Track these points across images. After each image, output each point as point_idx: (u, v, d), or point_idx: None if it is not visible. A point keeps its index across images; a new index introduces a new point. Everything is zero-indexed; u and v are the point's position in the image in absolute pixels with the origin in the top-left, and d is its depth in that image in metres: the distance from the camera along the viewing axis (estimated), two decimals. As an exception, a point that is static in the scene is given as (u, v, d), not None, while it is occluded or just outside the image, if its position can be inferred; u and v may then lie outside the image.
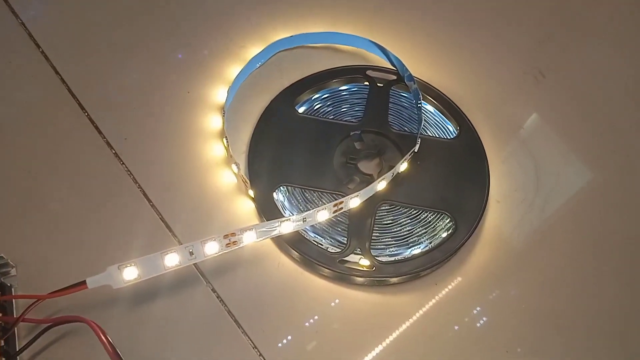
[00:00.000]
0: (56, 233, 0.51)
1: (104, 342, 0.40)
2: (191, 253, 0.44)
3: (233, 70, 0.61)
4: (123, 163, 0.55)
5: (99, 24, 0.62)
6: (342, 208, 0.49)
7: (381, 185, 0.52)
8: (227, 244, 0.45)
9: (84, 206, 0.53)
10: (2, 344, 0.43)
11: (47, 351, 0.46)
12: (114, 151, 0.56)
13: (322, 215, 0.48)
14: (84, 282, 0.43)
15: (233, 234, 0.45)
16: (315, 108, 0.60)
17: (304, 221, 0.48)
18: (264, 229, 0.46)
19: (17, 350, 0.44)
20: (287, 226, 0.47)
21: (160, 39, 0.62)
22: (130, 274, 0.43)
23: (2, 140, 0.55)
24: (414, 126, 0.59)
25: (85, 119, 0.57)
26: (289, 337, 0.50)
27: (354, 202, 0.49)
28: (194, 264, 0.51)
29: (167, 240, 0.52)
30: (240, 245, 0.46)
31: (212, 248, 0.45)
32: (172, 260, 0.44)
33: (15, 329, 0.45)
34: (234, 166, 0.55)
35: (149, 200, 0.54)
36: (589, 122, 0.63)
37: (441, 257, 0.53)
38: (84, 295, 0.44)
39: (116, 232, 0.51)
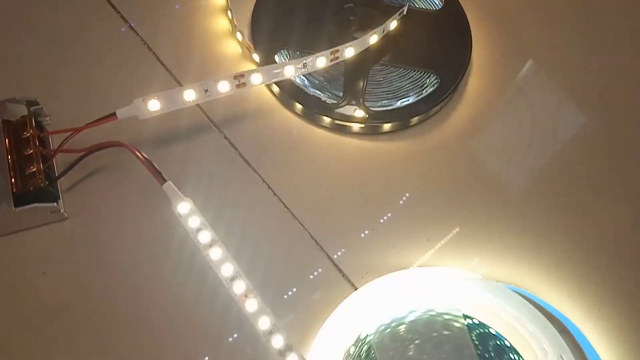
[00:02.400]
0: (80, 76, 0.57)
1: (141, 158, 0.46)
2: (206, 91, 0.50)
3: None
4: (138, 35, 0.61)
5: None
6: (338, 57, 0.55)
7: (373, 39, 0.57)
8: (236, 85, 0.51)
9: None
10: (46, 170, 0.49)
11: (86, 180, 0.53)
12: (123, 18, 0.61)
13: (321, 61, 0.54)
14: (114, 114, 0.49)
15: (242, 75, 0.51)
16: (311, -18, 0.65)
17: (304, 66, 0.54)
18: (270, 72, 0.52)
19: (57, 175, 0.50)
20: (289, 70, 0.53)
21: None
22: (154, 106, 0.49)
23: None
24: (404, -2, 0.65)
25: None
26: (294, 173, 0.56)
27: (349, 51, 0.55)
28: (206, 116, 0.57)
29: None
30: (249, 86, 0.52)
31: (224, 86, 0.51)
32: (189, 95, 0.50)
33: (54, 160, 0.51)
34: (238, 34, 0.61)
35: (164, 65, 0.60)
36: (568, 12, 0.69)
37: (427, 107, 0.60)
38: (111, 131, 0.50)
39: (135, 86, 0.57)
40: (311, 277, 0.52)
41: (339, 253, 0.53)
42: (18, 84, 0.56)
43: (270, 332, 0.40)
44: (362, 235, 0.54)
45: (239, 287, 0.40)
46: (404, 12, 0.61)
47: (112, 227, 0.51)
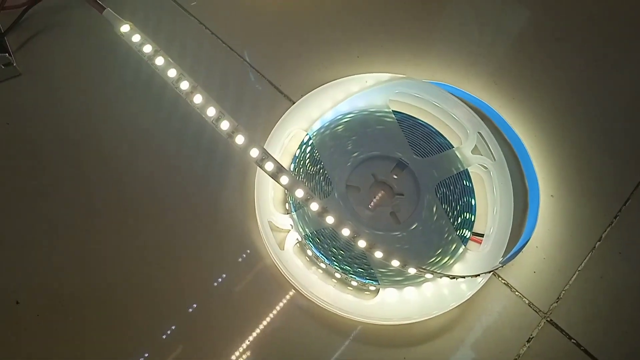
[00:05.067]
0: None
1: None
2: None
3: None
4: None
5: None
6: None
7: None
8: None
9: None
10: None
11: (33, 39, 0.56)
12: None
13: None
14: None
15: None
16: None
17: None
18: None
19: (3, 31, 0.53)
20: None
21: None
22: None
23: None
24: None
25: None
26: (225, 5, 0.60)
27: None
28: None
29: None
30: None
31: None
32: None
33: (-1, 21, 0.54)
34: None
35: None
36: None
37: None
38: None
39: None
40: (252, 99, 0.57)
41: (276, 75, 0.58)
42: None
43: (218, 119, 0.45)
44: (296, 57, 0.59)
45: (185, 85, 0.45)
46: None
47: (64, 74, 0.55)
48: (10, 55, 0.53)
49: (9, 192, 0.51)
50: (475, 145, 0.56)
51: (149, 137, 0.54)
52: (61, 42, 0.56)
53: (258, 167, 0.46)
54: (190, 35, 0.58)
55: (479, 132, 0.56)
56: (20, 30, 0.55)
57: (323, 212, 0.46)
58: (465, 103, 0.58)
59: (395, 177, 0.55)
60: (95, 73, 0.55)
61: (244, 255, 0.51)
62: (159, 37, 0.51)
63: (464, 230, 0.53)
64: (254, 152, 0.45)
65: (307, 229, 0.52)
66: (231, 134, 0.45)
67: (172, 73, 0.45)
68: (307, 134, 0.55)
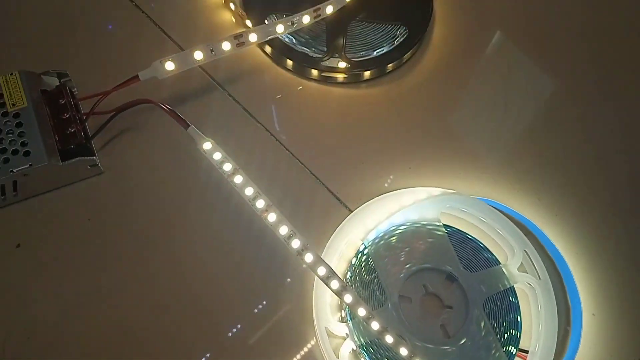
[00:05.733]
0: (98, 50, 0.66)
1: (166, 109, 0.55)
2: (212, 50, 0.59)
3: None
4: (138, 6, 0.69)
5: None
6: (320, 14, 0.64)
7: (348, -6, 0.66)
8: (237, 44, 0.60)
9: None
10: (81, 131, 0.57)
11: (116, 139, 0.61)
12: (134, 3, 0.69)
13: (305, 19, 0.63)
14: (136, 76, 0.57)
15: (241, 35, 0.60)
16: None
17: (292, 24, 0.62)
18: (264, 30, 0.61)
19: (92, 134, 0.59)
20: (279, 27, 0.62)
21: None
22: (170, 66, 0.57)
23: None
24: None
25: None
26: (290, 120, 0.65)
27: (329, 9, 0.64)
28: (210, 77, 0.66)
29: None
30: (247, 45, 0.61)
31: (226, 45, 0.59)
32: (198, 55, 0.58)
33: (87, 122, 0.60)
34: (231, 4, 0.69)
35: (168, 35, 0.68)
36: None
37: (399, 54, 0.69)
38: (133, 94, 0.59)
39: (144, 55, 0.66)
40: (313, 206, 0.61)
41: (336, 184, 0.62)
42: (46, 59, 0.63)
43: (290, 237, 0.49)
44: (354, 167, 0.63)
45: (260, 203, 0.50)
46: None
47: (144, 174, 0.60)
48: (96, 157, 0.57)
49: (83, 285, 0.55)
50: (521, 262, 0.59)
51: (216, 240, 0.57)
52: (142, 145, 0.61)
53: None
54: (259, 143, 0.63)
55: (525, 250, 0.59)
56: (105, 130, 0.59)
57: (383, 331, 0.49)
58: (511, 219, 0.61)
59: (445, 290, 0.58)
60: (173, 177, 0.60)
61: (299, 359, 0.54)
62: (227, 141, 0.56)
63: (510, 346, 0.56)
64: (322, 272, 0.48)
65: (362, 339, 0.55)
66: (301, 252, 0.48)
67: (249, 191, 0.50)
68: (363, 243, 0.59)
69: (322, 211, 0.61)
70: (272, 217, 0.49)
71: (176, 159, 0.60)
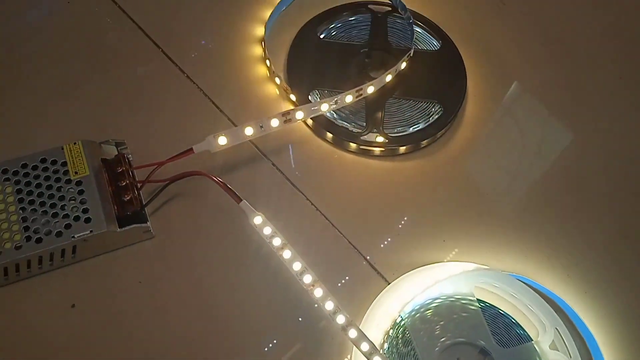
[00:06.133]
0: (152, 121, 0.70)
1: (219, 182, 0.58)
2: (261, 127, 0.63)
3: (266, 11, 0.80)
4: (193, 81, 0.74)
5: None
6: (362, 94, 0.68)
7: (388, 77, 0.71)
8: (284, 121, 0.64)
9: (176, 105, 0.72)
10: (137, 198, 0.61)
11: (166, 205, 0.65)
12: (185, 74, 0.74)
13: (348, 98, 0.67)
14: (191, 149, 0.61)
15: (288, 113, 0.64)
16: (332, 34, 0.79)
17: (336, 103, 0.67)
18: (309, 109, 0.65)
19: (147, 201, 0.62)
20: (324, 106, 0.66)
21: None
22: (222, 141, 0.61)
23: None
24: (408, 43, 0.78)
25: (157, 49, 0.75)
26: (330, 191, 0.69)
27: (370, 89, 0.69)
28: (257, 149, 0.70)
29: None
30: (294, 121, 0.65)
31: (275, 122, 0.63)
32: (249, 131, 0.62)
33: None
34: (276, 79, 0.74)
35: (218, 108, 0.72)
36: (544, 43, 0.83)
37: (434, 131, 0.73)
38: (185, 164, 0.63)
39: (196, 126, 0.70)
40: (351, 275, 0.64)
41: (373, 254, 0.65)
42: (105, 128, 0.68)
43: (335, 312, 0.52)
44: (390, 238, 0.66)
45: (307, 278, 0.52)
46: (411, 54, 0.74)
47: (193, 240, 0.63)
48: (148, 222, 0.61)
49: (134, 346, 0.57)
50: (553, 340, 0.61)
51: (260, 308, 0.60)
52: (192, 213, 0.64)
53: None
54: (299, 210, 0.67)
55: (556, 328, 0.61)
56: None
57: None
58: (542, 296, 0.63)
59: (479, 364, 0.60)
60: (219, 244, 0.63)
61: None
62: (268, 208, 0.60)
63: None
64: (365, 349, 0.50)
65: (398, 412, 0.56)
66: (345, 328, 0.51)
67: (296, 266, 0.53)
68: (400, 315, 0.61)
69: (360, 281, 0.63)
70: (318, 292, 0.52)
71: (223, 228, 0.64)
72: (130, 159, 0.65)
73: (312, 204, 0.68)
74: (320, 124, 0.71)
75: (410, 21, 0.77)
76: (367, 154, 0.72)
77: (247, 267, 0.62)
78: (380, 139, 0.71)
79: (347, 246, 0.65)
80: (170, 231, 0.63)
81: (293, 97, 0.73)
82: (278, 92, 0.75)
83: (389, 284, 0.63)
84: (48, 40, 0.74)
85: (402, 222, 0.68)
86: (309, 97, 0.73)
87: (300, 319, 0.60)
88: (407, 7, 0.79)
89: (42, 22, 0.75)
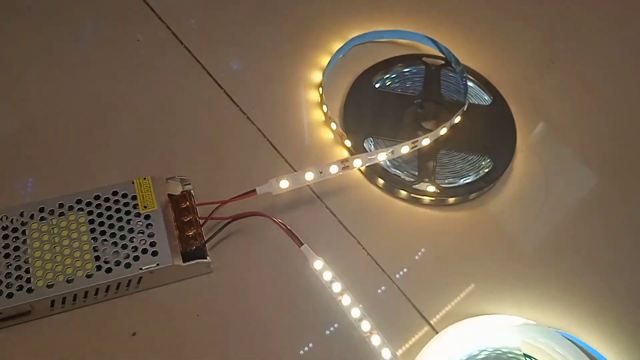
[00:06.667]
0: (214, 161, 0.73)
1: (282, 225, 0.61)
2: (320, 172, 0.66)
3: (324, 58, 0.84)
4: (254, 124, 0.77)
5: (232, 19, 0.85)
6: (417, 145, 0.71)
7: (443, 130, 0.73)
8: (342, 167, 0.67)
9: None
10: (201, 234, 0.64)
11: (225, 241, 0.67)
12: (246, 115, 0.78)
13: (404, 149, 0.70)
14: (254, 190, 0.64)
15: (347, 160, 0.67)
16: (387, 84, 0.82)
17: (392, 153, 0.69)
18: (367, 157, 0.68)
19: (208, 237, 0.65)
20: (381, 155, 0.69)
21: (272, 35, 0.85)
22: (284, 184, 0.64)
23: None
24: (460, 96, 0.81)
25: (222, 93, 0.79)
26: (381, 235, 0.71)
27: (425, 141, 0.71)
28: (312, 191, 0.73)
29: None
30: (351, 168, 0.67)
31: (334, 169, 0.66)
32: (309, 176, 0.65)
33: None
34: (333, 124, 0.77)
35: (275, 149, 0.76)
36: (593, 101, 0.85)
37: (484, 185, 0.75)
38: (245, 204, 0.66)
39: (254, 167, 0.73)
40: (400, 322, 0.65)
41: (421, 302, 0.67)
42: (171, 165, 0.71)
43: (391, 360, 0.53)
44: (438, 287, 0.68)
45: (365, 326, 0.54)
46: (465, 109, 0.77)
47: (250, 277, 0.65)
48: (208, 257, 0.63)
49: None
50: (599, 401, 0.61)
51: (313, 351, 0.62)
52: (250, 251, 0.67)
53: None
54: (349, 253, 0.69)
55: (603, 389, 0.62)
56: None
57: None
58: (588, 355, 0.64)
59: (524, 421, 0.60)
60: (275, 283, 0.65)
61: None
62: (322, 251, 0.62)
63: None
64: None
65: None
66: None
67: (355, 313, 0.55)
68: (448, 366, 0.62)
69: (409, 328, 0.65)
70: (375, 340, 0.54)
71: (278, 268, 0.66)
72: (193, 195, 0.68)
73: (362, 247, 0.70)
74: (374, 171, 0.74)
75: (464, 75, 0.80)
76: (417, 202, 0.74)
77: (300, 306, 0.64)
78: (431, 188, 0.73)
79: (396, 292, 0.67)
80: (227, 267, 0.66)
81: (348, 143, 0.76)
82: (333, 137, 0.78)
83: (436, 332, 0.64)
84: (121, 81, 0.79)
85: (450, 272, 0.69)
86: (364, 144, 0.76)
87: None
88: (460, 61, 0.82)
89: (114, 61, 0.80)
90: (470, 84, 0.82)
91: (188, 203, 0.65)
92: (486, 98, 0.82)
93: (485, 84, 0.83)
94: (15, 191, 0.68)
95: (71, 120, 0.75)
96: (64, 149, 0.72)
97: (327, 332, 0.63)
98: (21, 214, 0.62)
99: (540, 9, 0.95)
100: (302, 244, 0.60)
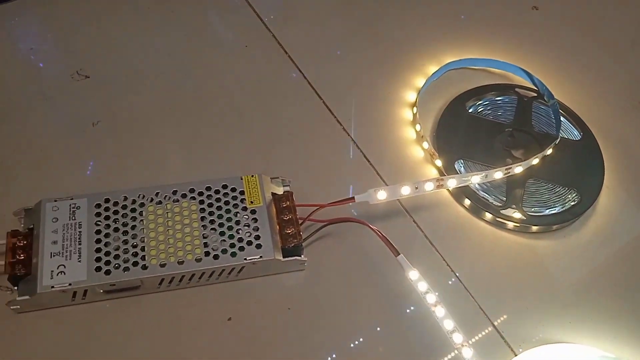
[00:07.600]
0: (312, 167, 0.78)
1: (380, 234, 0.65)
2: (416, 188, 0.69)
3: (419, 80, 0.87)
4: (349, 135, 0.81)
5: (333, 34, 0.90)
6: (509, 172, 0.73)
7: (535, 160, 0.75)
8: (437, 185, 0.70)
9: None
10: (299, 233, 0.68)
11: (318, 241, 0.71)
12: (342, 127, 0.82)
13: (498, 174, 0.72)
14: (352, 198, 0.68)
15: (442, 179, 0.70)
16: (479, 110, 0.85)
17: (485, 177, 0.72)
18: (461, 178, 0.71)
19: (305, 237, 0.69)
20: (475, 178, 0.71)
21: (372, 54, 0.89)
22: (382, 195, 0.68)
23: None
24: (551, 129, 0.83)
25: (322, 104, 0.84)
26: (463, 254, 0.73)
27: (518, 169, 0.74)
28: (401, 205, 0.76)
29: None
30: (445, 188, 0.70)
31: (429, 186, 0.69)
32: (405, 190, 0.69)
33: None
34: (424, 143, 0.80)
35: (369, 161, 0.79)
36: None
37: (569, 217, 0.76)
38: (341, 210, 0.70)
39: (349, 182, 0.77)
40: (482, 342, 0.67)
41: (501, 323, 0.68)
42: (275, 166, 0.76)
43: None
44: (519, 311, 0.70)
45: (458, 338, 0.57)
46: (557, 142, 0.79)
47: (340, 279, 0.69)
48: (303, 255, 0.67)
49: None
50: None
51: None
52: (342, 254, 0.70)
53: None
54: (434, 269, 0.71)
55: None
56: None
57: None
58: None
59: None
60: (364, 287, 0.68)
61: None
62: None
63: None
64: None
65: None
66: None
67: (448, 325, 0.57)
68: (524, 389, 0.64)
69: (488, 347, 0.67)
70: (467, 352, 0.56)
71: (369, 273, 0.69)
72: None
73: (447, 264, 0.72)
74: (463, 192, 0.76)
75: (557, 109, 0.82)
76: (501, 226, 0.76)
77: (387, 313, 0.67)
78: (517, 215, 0.75)
79: (477, 310, 0.69)
80: (319, 267, 0.69)
81: (438, 163, 0.79)
82: (423, 155, 0.81)
83: (515, 355, 0.66)
84: (230, 82, 0.84)
85: (531, 297, 0.71)
86: (455, 165, 0.79)
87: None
88: (553, 95, 0.84)
89: (224, 63, 0.86)
90: (562, 118, 0.84)
91: (289, 203, 0.69)
92: (576, 133, 0.84)
93: (575, 119, 0.85)
94: (134, 176, 0.74)
95: (185, 114, 0.81)
96: (177, 142, 0.78)
97: (416, 342, 0.65)
98: (139, 196, 0.67)
99: (631, 52, 0.96)
100: (399, 254, 0.63)
